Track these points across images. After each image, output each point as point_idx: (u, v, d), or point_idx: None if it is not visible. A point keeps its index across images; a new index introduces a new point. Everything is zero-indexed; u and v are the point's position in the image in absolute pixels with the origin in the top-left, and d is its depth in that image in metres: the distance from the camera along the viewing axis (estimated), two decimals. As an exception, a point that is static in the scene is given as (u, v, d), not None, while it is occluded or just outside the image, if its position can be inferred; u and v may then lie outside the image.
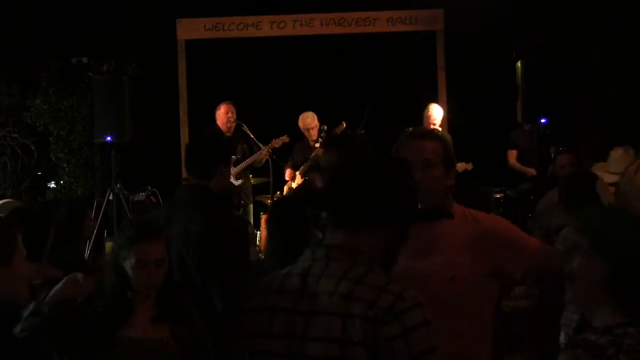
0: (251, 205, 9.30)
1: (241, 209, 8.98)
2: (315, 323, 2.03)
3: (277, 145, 9.02)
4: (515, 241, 2.97)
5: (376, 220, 2.13)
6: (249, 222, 8.71)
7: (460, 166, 8.35)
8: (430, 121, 8.95)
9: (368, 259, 2.10)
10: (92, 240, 5.98)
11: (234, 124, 8.98)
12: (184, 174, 9.45)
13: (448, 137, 7.92)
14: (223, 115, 9.02)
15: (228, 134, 8.97)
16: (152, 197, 9.64)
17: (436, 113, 9.04)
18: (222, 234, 3.96)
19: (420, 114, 9.07)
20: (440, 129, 8.94)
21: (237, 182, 8.81)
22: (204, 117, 9.34)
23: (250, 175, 9.29)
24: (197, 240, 3.93)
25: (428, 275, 2.85)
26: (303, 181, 9.05)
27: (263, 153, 8.89)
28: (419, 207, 2.83)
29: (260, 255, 8.62)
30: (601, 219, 2.21)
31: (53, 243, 4.91)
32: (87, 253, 6.38)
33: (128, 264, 3.31)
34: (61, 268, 4.10)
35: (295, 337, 2.05)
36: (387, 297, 1.99)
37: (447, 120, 9.59)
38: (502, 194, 9.16)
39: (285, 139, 9.07)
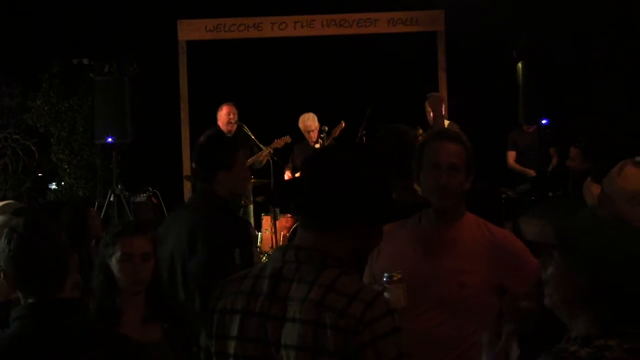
0: (251, 206, 9.28)
1: (241, 209, 8.97)
2: (287, 330, 2.00)
3: (278, 146, 8.99)
4: (524, 262, 2.95)
5: (346, 221, 2.07)
6: (250, 223, 8.71)
7: None
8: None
9: (339, 260, 2.05)
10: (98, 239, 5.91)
11: (235, 125, 8.96)
12: (185, 174, 9.50)
13: (456, 127, 7.97)
14: (224, 116, 9.01)
15: (229, 135, 8.96)
16: (153, 198, 9.65)
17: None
18: (209, 239, 3.89)
19: (421, 115, 9.06)
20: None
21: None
22: (205, 118, 9.34)
23: (252, 176, 9.27)
24: (184, 243, 3.88)
25: (437, 278, 2.87)
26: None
27: (264, 154, 8.87)
28: (435, 206, 2.84)
29: (262, 256, 8.63)
30: (574, 230, 2.16)
31: None
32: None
33: (114, 260, 3.25)
34: None
35: (267, 342, 2.03)
36: (357, 305, 1.95)
37: (448, 120, 9.59)
38: (502, 195, 9.16)
39: (287, 139, 9.05)
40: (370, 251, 2.18)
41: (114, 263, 3.26)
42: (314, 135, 9.11)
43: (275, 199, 2.89)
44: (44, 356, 2.38)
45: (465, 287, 2.86)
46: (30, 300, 2.45)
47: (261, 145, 8.90)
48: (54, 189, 11.57)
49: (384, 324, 1.96)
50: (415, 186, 3.52)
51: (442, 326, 2.83)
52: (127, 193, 9.33)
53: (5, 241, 2.46)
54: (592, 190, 4.53)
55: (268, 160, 8.90)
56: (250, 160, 8.88)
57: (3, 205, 5.70)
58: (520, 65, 9.03)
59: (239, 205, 8.84)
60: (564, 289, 2.11)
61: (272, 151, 8.88)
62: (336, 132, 9.09)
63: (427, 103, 9.14)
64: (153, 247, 3.32)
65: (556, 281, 2.12)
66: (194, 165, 4.32)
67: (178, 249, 3.87)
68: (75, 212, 5.19)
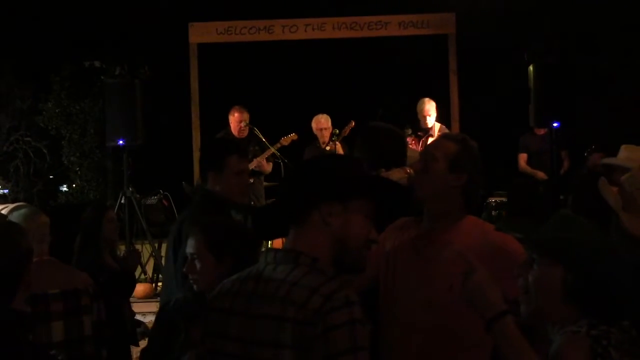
0: (262, 208, 9.22)
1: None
2: (259, 326, 2.07)
3: (285, 144, 8.95)
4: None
5: (313, 215, 2.13)
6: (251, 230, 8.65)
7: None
8: (424, 114, 8.91)
9: (312, 259, 2.10)
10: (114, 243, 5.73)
11: (247, 128, 8.94)
12: (196, 177, 9.50)
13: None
14: (234, 119, 9.00)
15: (240, 137, 8.90)
16: (164, 201, 9.67)
17: (428, 105, 8.99)
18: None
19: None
20: (434, 122, 8.89)
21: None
22: (215, 120, 9.36)
23: (262, 178, 9.25)
24: (174, 239, 3.96)
25: (427, 280, 2.87)
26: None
27: (267, 154, 8.81)
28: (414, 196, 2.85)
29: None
30: (549, 229, 2.18)
31: (79, 247, 4.94)
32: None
33: None
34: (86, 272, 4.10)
35: (246, 340, 2.10)
36: (317, 298, 1.99)
37: (459, 123, 9.59)
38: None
39: (294, 136, 9.02)
40: (357, 242, 2.17)
41: None
42: (326, 133, 9.07)
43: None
44: None
45: (454, 289, 2.85)
46: None
47: (269, 145, 8.87)
48: (65, 191, 11.61)
49: (340, 315, 1.98)
50: None
51: (434, 328, 2.83)
52: (138, 195, 9.35)
53: None
54: (613, 190, 4.47)
55: (279, 163, 8.87)
56: (254, 163, 8.81)
57: (14, 208, 5.71)
58: (531, 68, 9.00)
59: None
60: (546, 290, 2.12)
61: (277, 152, 8.82)
62: (346, 131, 9.08)
63: (424, 108, 9.06)
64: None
65: (538, 281, 2.14)
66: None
67: (171, 246, 3.97)
68: (92, 215, 5.18)
